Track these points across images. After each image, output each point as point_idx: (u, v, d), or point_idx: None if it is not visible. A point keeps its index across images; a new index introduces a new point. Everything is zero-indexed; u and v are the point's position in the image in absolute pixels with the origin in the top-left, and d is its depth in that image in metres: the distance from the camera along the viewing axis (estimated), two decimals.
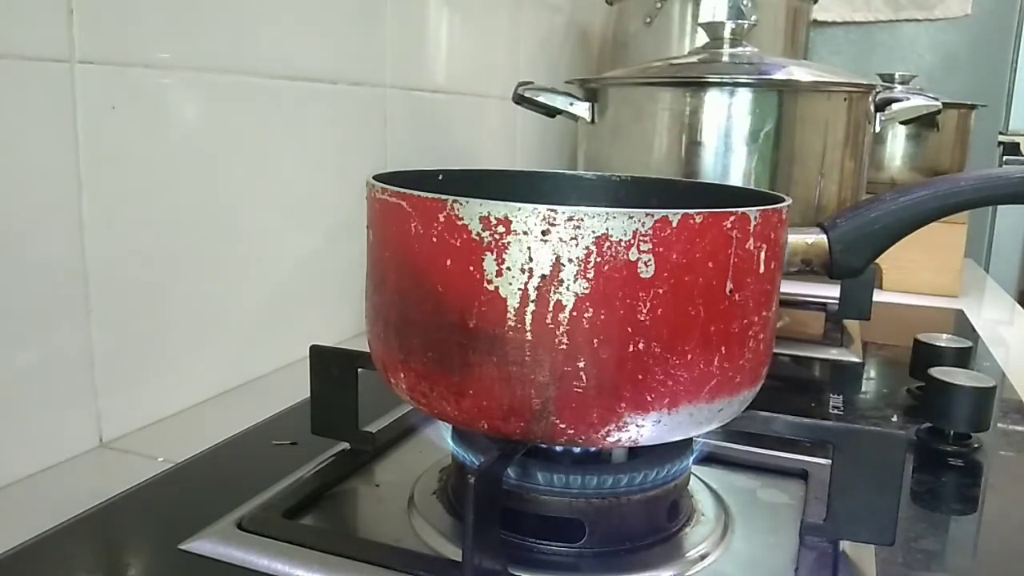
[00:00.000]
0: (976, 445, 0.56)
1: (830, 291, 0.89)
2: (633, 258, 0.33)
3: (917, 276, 1.09)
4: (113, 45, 0.51)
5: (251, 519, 0.42)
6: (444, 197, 0.35)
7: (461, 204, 0.34)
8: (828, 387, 0.71)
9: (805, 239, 0.41)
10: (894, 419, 0.61)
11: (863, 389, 0.69)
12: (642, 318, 0.34)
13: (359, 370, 0.48)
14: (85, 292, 0.51)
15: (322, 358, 0.49)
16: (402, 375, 0.39)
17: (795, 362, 0.75)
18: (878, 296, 0.91)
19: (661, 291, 0.34)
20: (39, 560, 0.39)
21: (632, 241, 0.33)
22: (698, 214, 0.34)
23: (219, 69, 0.59)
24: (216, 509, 0.43)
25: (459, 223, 0.34)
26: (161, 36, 0.54)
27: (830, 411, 0.63)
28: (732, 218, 0.35)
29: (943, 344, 0.65)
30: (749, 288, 0.36)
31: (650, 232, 0.33)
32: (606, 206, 0.49)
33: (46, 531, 0.41)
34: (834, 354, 0.76)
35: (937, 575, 0.41)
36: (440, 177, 0.49)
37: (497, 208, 0.34)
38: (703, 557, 0.41)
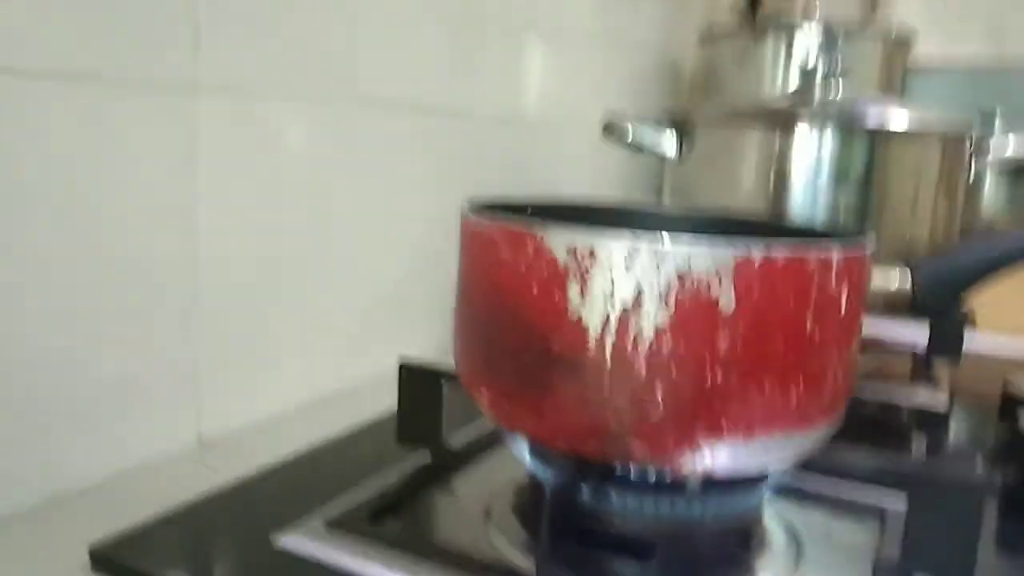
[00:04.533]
0: None
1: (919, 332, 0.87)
2: (715, 294, 0.35)
3: (1014, 316, 1.06)
4: (232, 74, 0.55)
5: (339, 519, 0.45)
6: (533, 227, 0.37)
7: (549, 233, 0.36)
8: (913, 430, 0.70)
9: (887, 286, 0.41)
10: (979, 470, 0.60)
11: (950, 433, 0.67)
12: (720, 351, 0.35)
13: (444, 384, 0.51)
14: (194, 295, 0.55)
15: (410, 372, 0.52)
16: (483, 389, 0.41)
17: (880, 403, 0.74)
18: (970, 338, 0.89)
19: (741, 325, 0.35)
20: (137, 550, 0.42)
21: (714, 277, 0.35)
22: (780, 251, 0.35)
23: (325, 98, 0.64)
24: (306, 507, 0.46)
25: (546, 253, 0.36)
26: (274, 64, 0.59)
27: (912, 455, 0.62)
28: (815, 257, 0.36)
29: None
30: (829, 325, 0.37)
31: (731, 268, 0.35)
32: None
33: (145, 522, 0.44)
34: (921, 397, 0.75)
35: None
36: (529, 211, 0.51)
37: (583, 237, 0.36)
38: None
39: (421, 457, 0.53)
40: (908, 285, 0.40)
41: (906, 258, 0.42)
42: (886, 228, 0.74)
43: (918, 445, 0.63)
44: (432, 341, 0.79)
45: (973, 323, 1.08)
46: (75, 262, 0.47)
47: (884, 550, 0.44)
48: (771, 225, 0.52)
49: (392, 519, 0.47)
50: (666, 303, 0.35)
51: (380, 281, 0.73)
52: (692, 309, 0.35)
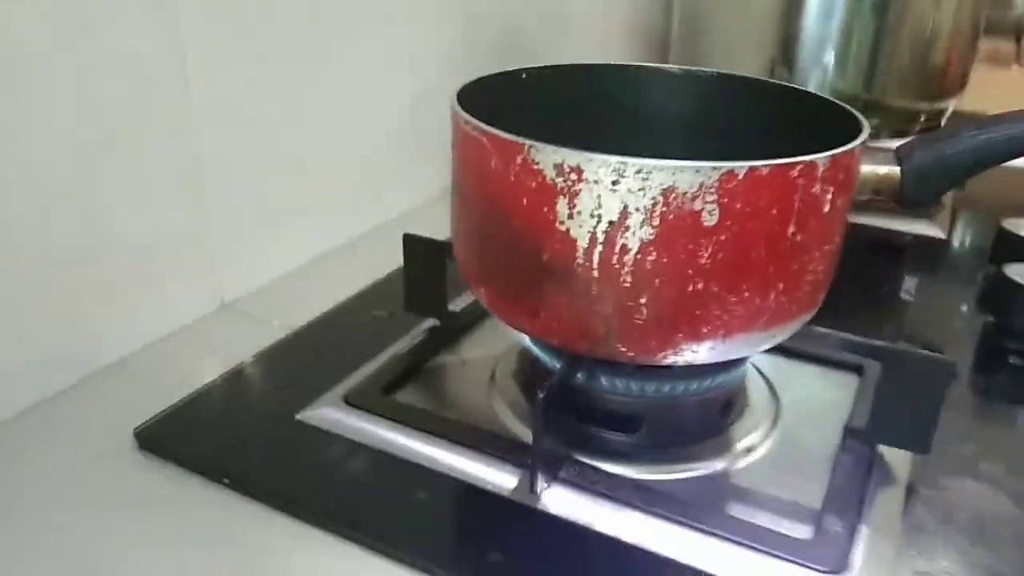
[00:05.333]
0: None
1: None
2: (698, 208, 0.36)
3: None
4: None
5: (355, 394, 0.49)
6: (522, 141, 0.37)
7: (537, 149, 0.37)
8: (905, 266, 0.72)
9: (877, 170, 0.41)
10: (964, 309, 0.63)
11: (941, 271, 0.69)
12: (703, 262, 0.37)
13: (447, 256, 0.53)
14: (194, 163, 0.56)
15: (413, 246, 0.54)
16: (482, 289, 0.43)
17: (875, 233, 0.76)
18: None
19: (723, 238, 0.36)
20: (177, 429, 0.47)
21: (698, 192, 0.35)
22: (765, 166, 0.35)
23: None
24: (325, 381, 0.50)
25: (535, 167, 0.37)
26: None
27: (900, 294, 0.65)
28: (799, 167, 0.36)
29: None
30: (812, 228, 0.38)
31: (716, 184, 0.35)
32: (690, 105, 0.51)
33: (182, 400, 0.49)
34: (918, 228, 0.76)
35: (966, 481, 0.44)
36: (524, 76, 0.51)
37: (571, 156, 0.36)
38: (749, 450, 0.46)
39: (429, 323, 0.56)
40: (895, 179, 0.41)
41: (897, 151, 0.41)
42: (900, 56, 0.72)
43: (908, 284, 0.66)
44: (432, 186, 0.80)
45: None
46: (73, 141, 0.48)
47: (854, 414, 0.48)
48: (770, 88, 0.51)
49: (404, 389, 0.51)
50: (651, 219, 0.36)
51: (376, 131, 0.73)
52: (676, 224, 0.36)
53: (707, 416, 0.46)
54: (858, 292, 0.64)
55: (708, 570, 0.38)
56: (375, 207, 0.75)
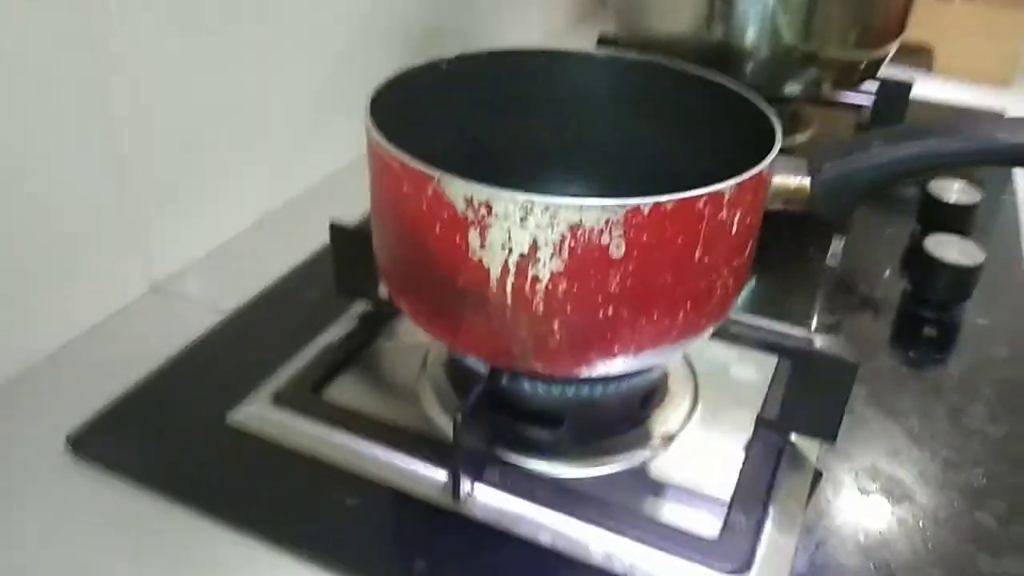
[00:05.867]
0: (953, 313, 0.60)
1: (865, 97, 0.87)
2: (605, 242, 0.36)
3: (971, 61, 1.04)
4: None
5: (284, 393, 0.50)
6: (431, 172, 0.37)
7: (446, 182, 0.37)
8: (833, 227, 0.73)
9: (788, 182, 0.42)
10: (886, 275, 0.64)
11: (870, 231, 0.70)
12: (612, 290, 0.37)
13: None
14: (114, 137, 0.54)
15: (341, 234, 0.54)
16: (403, 302, 0.44)
17: None
18: (925, 85, 0.89)
19: (631, 267, 0.37)
20: (108, 433, 0.47)
21: (604, 228, 0.36)
22: (669, 201, 0.36)
23: None
24: (256, 377, 0.51)
25: (445, 199, 0.37)
26: None
27: (827, 260, 0.66)
28: (704, 199, 0.37)
29: (951, 200, 0.66)
30: (719, 249, 0.39)
31: (622, 219, 0.36)
32: (618, 90, 0.51)
33: (108, 403, 0.49)
34: None
35: (873, 463, 0.47)
36: (445, 67, 0.50)
37: (479, 192, 0.36)
38: (668, 439, 0.48)
39: (362, 308, 0.57)
40: (804, 192, 0.41)
41: (810, 162, 0.42)
42: (837, 4, 0.71)
43: (836, 247, 0.67)
44: (354, 144, 0.78)
45: (930, 67, 1.06)
46: None
47: (767, 405, 0.50)
48: (694, 80, 0.50)
49: (335, 382, 0.52)
50: (560, 252, 0.36)
51: (302, 93, 0.71)
52: (584, 257, 0.36)
53: (627, 409, 0.48)
54: (786, 257, 0.66)
55: (621, 572, 0.40)
56: (306, 169, 0.74)
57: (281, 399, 0.49)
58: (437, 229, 0.38)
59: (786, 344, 0.46)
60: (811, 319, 0.59)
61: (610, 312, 0.38)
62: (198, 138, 0.61)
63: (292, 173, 0.72)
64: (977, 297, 0.60)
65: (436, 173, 0.37)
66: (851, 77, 0.80)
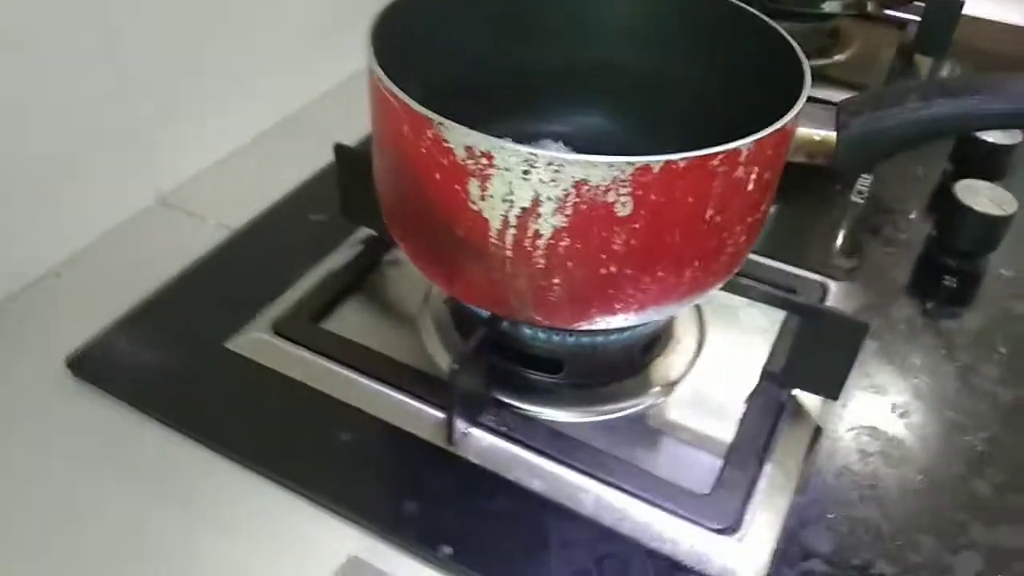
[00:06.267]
0: (977, 263, 0.57)
1: (913, 12, 0.82)
2: (611, 200, 0.34)
3: None
4: None
5: (283, 322, 0.49)
6: (431, 116, 0.35)
7: (447, 128, 0.34)
8: None
9: (813, 135, 0.39)
10: (912, 216, 0.62)
11: (900, 169, 0.67)
12: (616, 248, 0.36)
13: None
14: (119, 55, 0.52)
15: (346, 156, 0.52)
16: (404, 243, 0.42)
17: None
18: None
19: (637, 226, 0.35)
20: (108, 356, 0.47)
21: (611, 186, 0.34)
22: (683, 159, 0.34)
23: None
24: (256, 303, 0.50)
25: (445, 145, 0.35)
26: None
27: (853, 195, 0.64)
28: (720, 156, 0.34)
29: (987, 139, 0.62)
30: (733, 207, 0.37)
31: (630, 178, 0.34)
32: (634, 13, 0.47)
33: (109, 325, 0.49)
34: None
35: (869, 425, 0.46)
36: None
37: (481, 141, 0.34)
38: (669, 387, 0.47)
39: (365, 233, 0.56)
40: (830, 146, 0.38)
41: (839, 112, 0.39)
42: None
43: (863, 183, 0.64)
44: (357, 56, 0.75)
45: None
46: None
47: (772, 357, 0.49)
48: (724, 4, 0.47)
49: (337, 311, 0.51)
50: (563, 208, 0.35)
51: (299, 7, 0.67)
52: (589, 214, 0.35)
53: (629, 357, 0.47)
54: (811, 190, 0.63)
55: (610, 525, 0.40)
56: (316, 79, 0.71)
57: (281, 327, 0.49)
58: (437, 175, 0.36)
59: (796, 301, 0.45)
60: (830, 261, 0.57)
61: (613, 269, 0.37)
62: (199, 47, 0.58)
63: (300, 83, 0.70)
64: (1004, 247, 0.58)
65: (437, 118, 0.35)
66: None
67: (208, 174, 0.62)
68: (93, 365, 0.47)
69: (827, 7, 0.72)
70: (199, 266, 0.54)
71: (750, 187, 0.37)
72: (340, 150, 0.52)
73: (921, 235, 0.60)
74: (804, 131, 0.39)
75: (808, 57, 0.82)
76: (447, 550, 0.39)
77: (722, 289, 0.44)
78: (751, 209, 0.38)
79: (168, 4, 0.54)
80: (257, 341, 0.48)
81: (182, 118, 0.59)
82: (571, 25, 0.50)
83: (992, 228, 0.56)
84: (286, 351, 0.48)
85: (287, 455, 0.43)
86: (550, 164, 0.34)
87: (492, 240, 0.37)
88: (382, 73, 0.37)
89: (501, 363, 0.46)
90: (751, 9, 0.45)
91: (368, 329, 0.50)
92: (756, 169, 0.36)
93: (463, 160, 0.35)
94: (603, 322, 0.39)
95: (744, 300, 0.52)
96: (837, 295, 0.54)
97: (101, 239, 0.55)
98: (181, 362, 0.47)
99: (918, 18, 0.81)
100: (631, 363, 0.47)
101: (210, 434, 0.43)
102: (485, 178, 0.35)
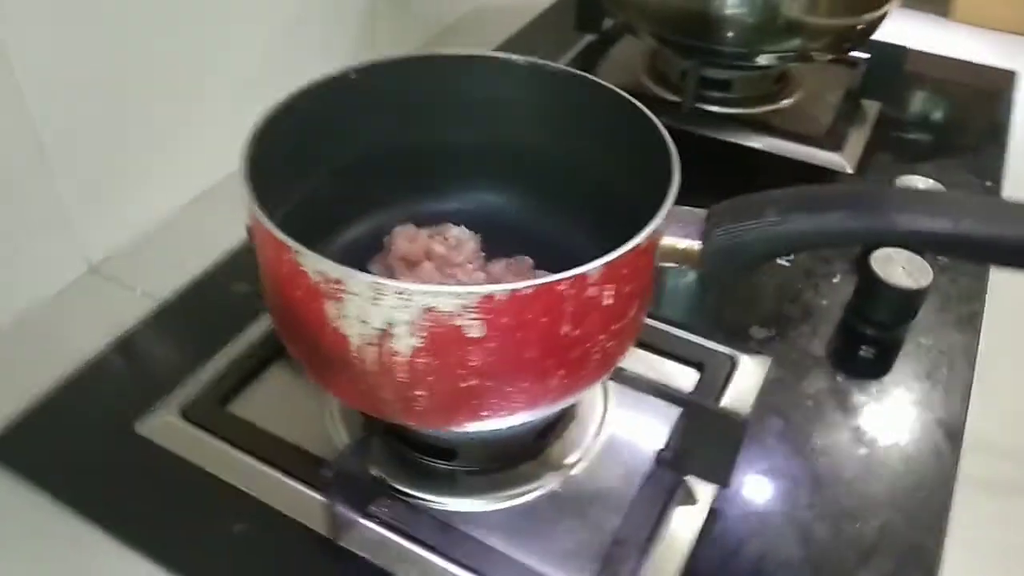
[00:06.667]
0: (896, 335, 0.57)
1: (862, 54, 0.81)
2: (460, 324, 0.35)
3: (990, 8, 0.96)
4: None
5: (192, 405, 0.50)
6: (288, 243, 0.36)
7: (301, 255, 0.35)
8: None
9: (677, 244, 0.39)
10: (836, 280, 0.62)
11: None
12: (474, 364, 0.37)
13: None
14: (30, 127, 0.53)
15: None
16: (288, 346, 0.43)
17: (775, 161, 0.73)
18: (937, 33, 0.83)
19: (492, 346, 0.36)
20: (23, 441, 0.49)
21: (460, 312, 0.35)
22: (528, 287, 0.34)
23: None
24: (170, 381, 0.51)
25: (301, 269, 0.36)
26: None
27: (780, 258, 0.64)
28: (566, 283, 0.35)
29: None
30: (591, 321, 0.38)
31: (476, 306, 0.34)
32: (535, 95, 0.48)
33: (28, 406, 0.50)
34: (820, 159, 0.73)
35: (765, 509, 0.47)
36: (353, 76, 0.47)
37: (332, 269, 0.35)
38: (565, 469, 0.48)
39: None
40: (694, 256, 0.39)
41: (706, 217, 0.39)
42: None
43: None
44: None
45: (945, 13, 0.98)
46: None
47: (670, 442, 0.49)
48: (609, 93, 0.47)
49: (246, 393, 0.52)
50: (417, 331, 0.35)
51: (236, 71, 0.68)
52: (442, 335, 0.35)
53: (523, 443, 0.48)
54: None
55: None
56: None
57: (188, 411, 0.50)
58: (298, 294, 0.37)
59: (676, 394, 0.45)
60: (745, 331, 0.57)
61: (474, 383, 0.37)
62: (122, 122, 0.59)
63: (228, 153, 0.70)
64: (925, 314, 0.58)
65: (294, 245, 0.35)
66: (841, 45, 0.75)
67: (137, 245, 0.63)
68: (10, 448, 0.48)
69: (763, 60, 0.72)
70: (121, 342, 0.55)
71: (607, 302, 0.37)
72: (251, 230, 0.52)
73: (842, 300, 0.60)
74: (669, 240, 0.40)
75: (752, 104, 0.85)
76: None
77: (608, 380, 0.45)
78: (614, 319, 0.39)
79: (87, 80, 0.55)
80: (165, 425, 0.49)
81: (108, 192, 0.60)
82: (473, 106, 0.51)
83: (907, 300, 0.56)
84: (192, 436, 0.49)
85: (182, 545, 0.44)
86: (399, 293, 0.34)
87: (354, 356, 0.37)
88: (251, 193, 0.38)
89: (398, 449, 0.47)
90: (630, 98, 0.45)
91: (275, 412, 0.51)
92: (613, 287, 0.37)
93: (318, 283, 0.36)
94: (474, 427, 0.40)
95: (653, 365, 0.53)
96: (746, 369, 0.54)
97: (29, 313, 0.57)
98: (93, 446, 0.49)
99: (865, 62, 0.81)
100: (525, 449, 0.48)
101: (115, 524, 0.45)
102: (339, 300, 0.36)
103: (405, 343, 0.36)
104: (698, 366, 0.54)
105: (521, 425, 0.45)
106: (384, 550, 0.44)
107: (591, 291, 0.36)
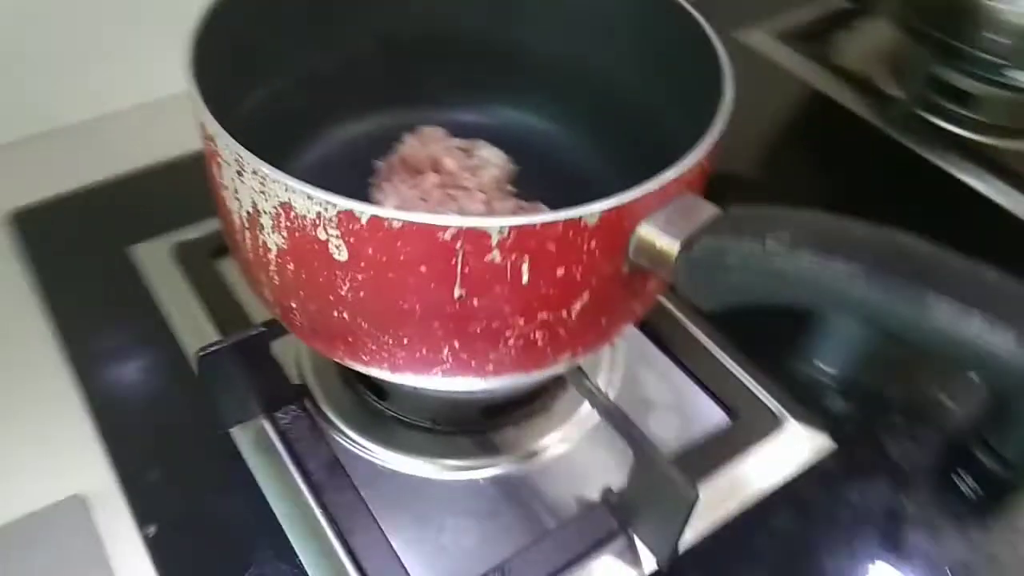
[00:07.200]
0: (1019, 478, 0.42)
1: None
2: (322, 237, 0.28)
3: None
4: None
5: (185, 246, 0.48)
6: (199, 100, 0.30)
7: (201, 112, 0.30)
8: None
9: (656, 239, 0.29)
10: (975, 381, 0.46)
11: None
12: (343, 293, 0.30)
13: None
14: None
15: None
16: None
17: (997, 216, 0.56)
18: None
19: (360, 277, 0.29)
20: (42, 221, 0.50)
21: (317, 222, 0.28)
22: (396, 219, 0.27)
23: None
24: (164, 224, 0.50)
25: (202, 128, 0.31)
26: None
27: None
28: (451, 233, 0.27)
29: None
30: (495, 295, 0.29)
31: (334, 219, 0.28)
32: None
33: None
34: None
35: None
36: None
37: (209, 122, 0.29)
38: (509, 458, 0.40)
39: None
40: (669, 263, 0.28)
41: (720, 212, 0.28)
42: None
43: None
44: None
45: None
46: None
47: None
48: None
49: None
50: (279, 228, 0.29)
51: None
52: (304, 244, 0.29)
53: (461, 412, 0.41)
54: None
55: None
56: None
57: (180, 255, 0.48)
58: (207, 162, 0.32)
59: (629, 432, 0.35)
60: (822, 390, 0.45)
61: (345, 316, 0.31)
62: None
63: None
64: None
65: (200, 104, 0.30)
66: None
67: None
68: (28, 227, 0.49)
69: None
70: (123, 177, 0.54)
71: (522, 278, 0.29)
72: None
73: (970, 410, 0.45)
74: (648, 230, 0.29)
75: (992, 133, 0.67)
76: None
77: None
78: (539, 303, 0.30)
79: None
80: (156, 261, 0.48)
81: None
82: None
83: None
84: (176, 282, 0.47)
85: None
86: (255, 174, 0.28)
87: (237, 236, 0.32)
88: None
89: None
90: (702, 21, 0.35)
91: None
92: (525, 258, 0.28)
93: (206, 142, 0.31)
94: (358, 367, 0.34)
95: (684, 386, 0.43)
96: (792, 439, 0.42)
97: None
98: (83, 266, 0.49)
99: None
100: (464, 419, 0.41)
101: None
102: (219, 165, 0.30)
103: (272, 239, 0.30)
104: (731, 411, 0.43)
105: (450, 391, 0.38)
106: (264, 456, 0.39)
107: (492, 256, 0.28)
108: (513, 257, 0.28)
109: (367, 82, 0.43)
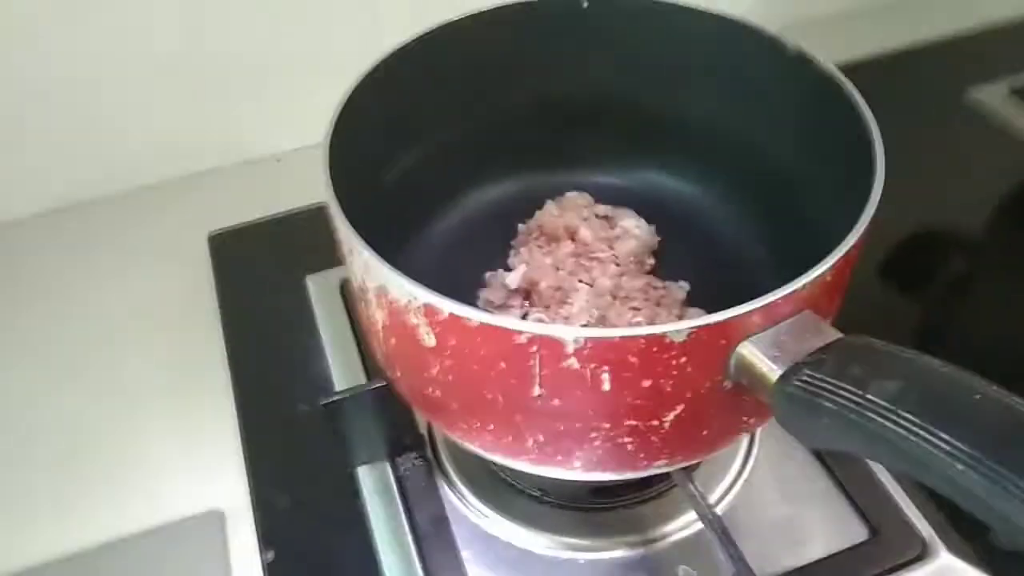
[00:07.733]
0: None
1: None
2: (413, 322, 0.29)
3: None
4: None
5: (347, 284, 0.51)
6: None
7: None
8: None
9: (755, 361, 0.27)
10: None
11: None
12: (434, 374, 0.30)
13: None
14: None
15: None
16: None
17: None
18: None
19: (448, 363, 0.29)
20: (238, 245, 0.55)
21: (408, 308, 0.29)
22: (469, 317, 0.27)
23: None
24: None
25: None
26: None
27: None
28: (526, 335, 0.26)
29: None
30: (574, 399, 0.28)
31: (421, 309, 0.28)
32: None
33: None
34: None
35: None
36: (585, 5, 0.40)
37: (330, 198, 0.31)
38: (626, 542, 0.39)
39: None
40: (766, 388, 0.26)
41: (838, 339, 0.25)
42: None
43: None
44: None
45: None
46: None
47: None
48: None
49: None
50: (380, 305, 0.30)
51: None
52: (399, 325, 0.30)
53: (571, 489, 0.40)
54: None
55: None
56: None
57: None
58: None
59: (731, 552, 0.32)
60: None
61: (438, 395, 0.31)
62: None
63: None
64: None
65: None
66: None
67: None
68: (224, 251, 0.55)
69: None
70: None
71: (606, 387, 0.28)
72: None
73: None
74: (751, 351, 0.27)
75: None
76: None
77: None
78: (624, 411, 0.29)
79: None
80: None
81: None
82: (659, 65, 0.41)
83: None
84: None
85: None
86: (360, 253, 0.30)
87: (358, 300, 0.34)
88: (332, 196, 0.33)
89: None
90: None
91: None
92: (605, 368, 0.27)
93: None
94: (456, 439, 0.34)
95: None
96: (939, 566, 0.37)
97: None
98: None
99: None
100: (579, 497, 0.40)
101: None
102: (337, 240, 0.32)
103: (377, 314, 0.31)
104: (872, 527, 0.39)
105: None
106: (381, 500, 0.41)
107: (570, 363, 0.27)
108: (592, 366, 0.27)
109: (516, 145, 0.43)
